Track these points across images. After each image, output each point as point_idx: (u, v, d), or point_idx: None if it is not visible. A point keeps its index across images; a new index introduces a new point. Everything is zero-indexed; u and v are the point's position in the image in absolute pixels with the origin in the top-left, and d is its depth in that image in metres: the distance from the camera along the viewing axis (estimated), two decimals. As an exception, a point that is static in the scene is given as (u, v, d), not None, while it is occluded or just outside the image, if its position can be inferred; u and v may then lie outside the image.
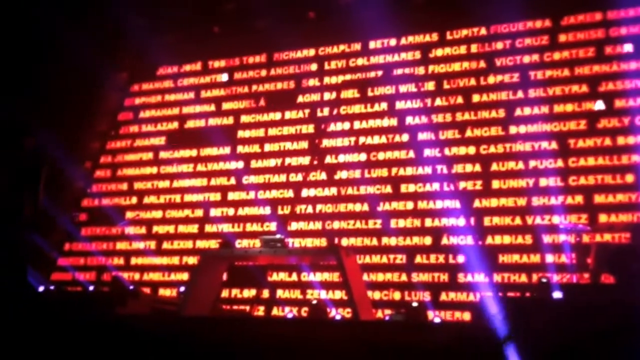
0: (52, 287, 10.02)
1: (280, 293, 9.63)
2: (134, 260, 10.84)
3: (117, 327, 5.69)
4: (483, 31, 10.16)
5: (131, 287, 9.57)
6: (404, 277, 9.10)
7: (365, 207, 9.67)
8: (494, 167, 9.25)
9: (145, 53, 11.97)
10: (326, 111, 10.63)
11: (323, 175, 10.19)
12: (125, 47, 12.30)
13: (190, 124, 11.54)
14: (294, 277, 9.66)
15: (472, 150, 9.48)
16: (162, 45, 11.62)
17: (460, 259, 8.84)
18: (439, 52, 10.31)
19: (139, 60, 12.39)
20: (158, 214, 11.04)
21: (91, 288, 10.11)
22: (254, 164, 10.73)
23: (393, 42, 10.63)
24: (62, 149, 10.71)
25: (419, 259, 9.11)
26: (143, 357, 4.88)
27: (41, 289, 9.49)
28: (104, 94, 12.39)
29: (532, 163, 8.97)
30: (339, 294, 9.05)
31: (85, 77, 11.67)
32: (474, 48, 10.13)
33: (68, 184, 11.53)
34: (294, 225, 10.00)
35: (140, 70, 12.42)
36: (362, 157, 10.02)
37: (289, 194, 10.30)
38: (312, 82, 10.96)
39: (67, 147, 11.21)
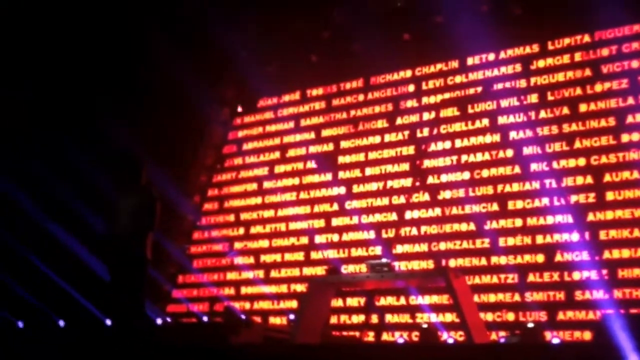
0: (168, 319, 10.36)
1: (389, 318, 9.50)
2: (244, 290, 11.03)
3: (232, 356, 5.78)
4: (587, 38, 9.77)
5: (243, 317, 9.73)
6: (517, 297, 8.76)
7: (472, 227, 9.43)
8: (607, 178, 8.80)
9: (246, 86, 12.33)
10: (426, 131, 10.50)
11: (426, 196, 10.03)
12: (228, 81, 12.70)
13: (292, 152, 11.69)
14: (403, 301, 9.51)
15: (582, 161, 9.07)
16: (262, 77, 11.91)
17: (577, 275, 8.43)
18: (540, 63, 9.98)
19: (242, 94, 12.77)
20: (265, 243, 11.21)
21: (205, 319, 10.37)
22: (356, 188, 10.72)
23: (492, 56, 10.40)
24: (172, 183, 11.14)
25: (532, 278, 8.75)
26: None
27: (159, 321, 9.83)
28: (209, 128, 12.80)
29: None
30: (450, 317, 8.82)
31: (191, 112, 12.13)
32: (577, 56, 9.75)
33: (179, 217, 11.92)
34: (399, 248, 9.89)
35: (242, 103, 12.77)
36: (466, 175, 9.80)
37: (393, 217, 10.20)
38: (411, 103, 10.87)
39: (176, 182, 11.66)
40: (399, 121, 10.88)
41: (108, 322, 9.88)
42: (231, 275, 11.22)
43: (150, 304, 9.17)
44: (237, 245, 11.34)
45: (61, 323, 10.24)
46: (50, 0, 11.37)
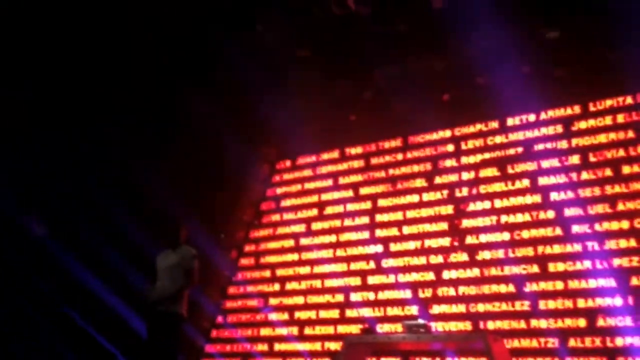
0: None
1: (425, 380, 9.24)
2: (277, 347, 10.88)
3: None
4: (629, 100, 9.69)
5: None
6: (559, 362, 8.45)
7: (511, 288, 9.20)
8: (652, 241, 8.56)
9: (286, 144, 12.48)
10: (465, 191, 10.41)
11: (464, 257, 9.87)
12: (268, 139, 12.88)
13: (329, 210, 11.69)
14: (439, 363, 9.25)
15: (625, 224, 8.85)
16: (301, 135, 12.06)
17: (619, 341, 8.11)
18: (582, 125, 9.90)
19: (281, 152, 12.92)
20: (300, 300, 11.11)
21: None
22: (393, 247, 10.62)
23: (532, 117, 10.37)
24: (211, 239, 11.22)
25: (572, 343, 8.45)
26: None
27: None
28: (248, 185, 12.92)
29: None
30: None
31: (231, 169, 12.29)
32: (620, 118, 9.65)
33: (215, 272, 11.93)
34: (436, 309, 9.68)
35: (280, 161, 12.91)
36: (506, 236, 9.64)
37: (430, 276, 10.04)
38: (450, 162, 10.84)
39: (214, 237, 11.74)
40: (437, 180, 10.83)
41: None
42: (265, 332, 11.10)
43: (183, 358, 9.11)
44: (272, 301, 11.25)
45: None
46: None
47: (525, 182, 9.93)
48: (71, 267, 11.14)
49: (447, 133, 11.11)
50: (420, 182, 10.99)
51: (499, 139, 10.56)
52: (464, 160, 10.71)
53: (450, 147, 10.97)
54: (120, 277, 10.64)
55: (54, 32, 10.73)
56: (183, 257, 7.08)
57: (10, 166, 11.33)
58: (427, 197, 10.78)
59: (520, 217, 9.69)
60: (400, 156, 11.48)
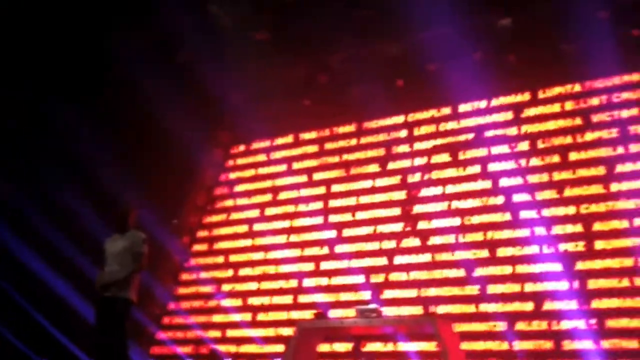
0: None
1: (376, 365, 9.34)
2: (230, 333, 10.85)
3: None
4: (577, 87, 9.87)
5: (227, 360, 9.59)
6: (505, 346, 8.60)
7: (461, 273, 9.33)
8: (597, 226, 8.76)
9: (240, 128, 12.40)
10: (417, 177, 10.50)
11: (416, 242, 9.96)
12: (221, 123, 12.77)
13: (283, 195, 11.67)
14: (390, 347, 9.34)
15: (572, 210, 9.04)
16: (255, 119, 11.99)
17: (565, 325, 8.30)
18: (531, 112, 10.05)
19: (234, 136, 12.83)
20: (253, 286, 11.09)
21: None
22: (346, 232, 10.66)
23: (483, 104, 10.49)
24: (162, 224, 11.10)
25: (520, 326, 8.61)
26: None
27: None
28: (201, 169, 12.80)
29: (638, 221, 8.44)
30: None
31: (184, 154, 12.14)
32: (568, 105, 9.84)
33: (167, 258, 11.82)
34: (388, 294, 9.76)
35: (234, 145, 12.81)
36: (456, 221, 9.76)
37: (382, 261, 10.11)
38: (402, 148, 10.90)
39: (166, 222, 11.61)
40: (390, 166, 10.89)
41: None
42: (217, 318, 11.05)
43: (133, 346, 9.03)
44: (226, 287, 11.21)
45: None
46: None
47: (476, 168, 10.05)
48: (17, 250, 10.94)
49: (401, 119, 11.17)
50: (373, 168, 11.05)
51: (451, 125, 10.66)
52: (417, 146, 10.78)
53: (403, 133, 11.03)
54: (68, 262, 10.49)
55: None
56: (132, 242, 6.98)
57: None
58: (380, 182, 10.84)
59: (470, 203, 9.81)
60: (354, 141, 11.51)
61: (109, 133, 11.44)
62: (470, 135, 10.35)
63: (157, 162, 11.82)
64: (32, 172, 11.34)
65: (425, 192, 10.29)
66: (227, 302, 10.97)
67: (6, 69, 11.31)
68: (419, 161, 10.63)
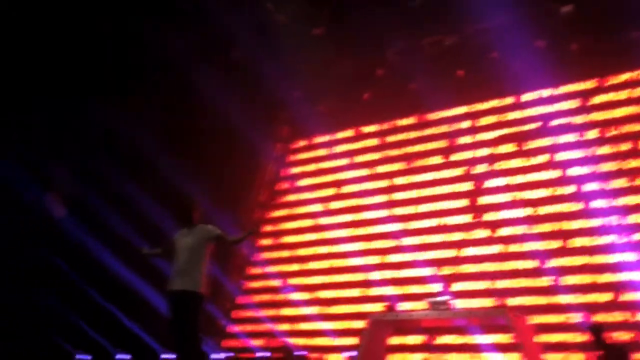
0: (224, 355, 10.42)
1: (448, 357, 9.37)
2: (300, 326, 11.01)
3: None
4: (646, 74, 9.70)
5: (300, 353, 9.74)
6: (581, 338, 8.54)
7: (533, 264, 9.29)
8: (672, 215, 8.63)
9: (300, 123, 12.50)
10: (483, 168, 10.46)
11: (485, 233, 9.94)
12: (282, 119, 12.90)
13: (346, 189, 11.75)
14: (463, 339, 9.37)
15: (645, 198, 8.92)
16: (316, 114, 12.08)
17: (644, 315, 8.21)
18: (598, 99, 9.92)
19: (294, 131, 12.95)
20: (320, 280, 11.21)
21: (261, 354, 10.38)
22: (411, 225, 10.69)
23: (548, 92, 10.37)
24: (227, 219, 11.27)
25: (597, 318, 8.53)
26: None
27: (213, 356, 9.90)
28: (262, 165, 12.97)
29: None
30: (512, 357, 8.66)
31: (245, 150, 12.31)
32: (637, 92, 9.67)
33: (234, 253, 12.02)
34: (458, 286, 9.78)
35: (295, 140, 12.93)
36: (526, 212, 9.70)
37: (451, 253, 10.12)
38: (465, 139, 10.86)
39: (231, 218, 11.79)
40: (453, 157, 10.87)
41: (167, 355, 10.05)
42: (286, 311, 11.22)
43: (205, 339, 9.24)
44: (293, 281, 11.37)
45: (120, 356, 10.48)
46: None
47: (543, 158, 9.97)
48: (94, 249, 11.27)
49: (463, 109, 11.12)
50: (436, 160, 11.04)
51: (515, 115, 10.58)
52: (480, 136, 10.73)
53: (466, 124, 10.99)
54: (139, 257, 10.72)
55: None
56: (201, 236, 7.04)
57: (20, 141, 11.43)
58: (443, 174, 10.84)
59: (539, 193, 9.74)
60: (415, 134, 11.51)
61: (171, 133, 11.67)
62: (536, 125, 10.25)
63: (220, 159, 12.01)
64: (102, 171, 11.61)
65: (491, 183, 10.24)
66: (295, 296, 11.12)
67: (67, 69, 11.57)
68: (483, 152, 10.58)
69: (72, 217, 11.56)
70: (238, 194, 12.69)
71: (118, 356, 11.06)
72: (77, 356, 11.11)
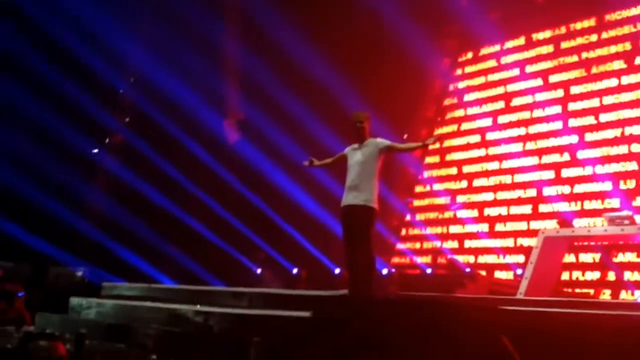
0: (393, 270, 10.52)
1: (628, 275, 8.74)
2: (467, 244, 10.80)
3: (458, 308, 5.64)
4: None
5: (468, 270, 9.58)
6: None
7: None
8: None
9: (467, 34, 11.93)
10: (673, 71, 9.39)
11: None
12: (449, 31, 12.39)
13: (517, 101, 11.13)
14: (645, 258, 8.67)
15: None
16: (483, 23, 11.43)
17: None
18: None
19: (461, 43, 12.39)
20: (489, 197, 10.85)
21: (429, 271, 10.35)
22: (589, 136, 9.93)
23: None
24: (392, 136, 11.13)
25: None
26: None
27: (384, 271, 10.03)
28: (429, 80, 12.61)
29: None
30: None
31: (413, 66, 11.99)
32: None
33: (401, 171, 11.94)
34: (640, 201, 9.00)
35: (462, 53, 12.39)
36: None
37: (633, 166, 9.30)
38: (652, 40, 9.78)
39: (397, 135, 11.64)
40: (638, 61, 9.84)
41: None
42: (454, 229, 11.04)
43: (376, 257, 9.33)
44: (460, 198, 11.11)
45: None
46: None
47: None
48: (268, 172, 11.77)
49: (647, 6, 9.98)
50: (618, 64, 10.07)
51: None
52: (670, 35, 9.61)
53: (653, 23, 9.87)
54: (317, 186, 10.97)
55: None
56: (372, 149, 6.90)
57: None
58: (627, 80, 9.88)
59: None
60: (594, 37, 10.54)
61: (340, 52, 11.62)
62: None
63: (387, 76, 11.81)
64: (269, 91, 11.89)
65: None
66: (462, 213, 10.88)
67: None
68: (674, 53, 9.48)
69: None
70: (405, 110, 12.46)
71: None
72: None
